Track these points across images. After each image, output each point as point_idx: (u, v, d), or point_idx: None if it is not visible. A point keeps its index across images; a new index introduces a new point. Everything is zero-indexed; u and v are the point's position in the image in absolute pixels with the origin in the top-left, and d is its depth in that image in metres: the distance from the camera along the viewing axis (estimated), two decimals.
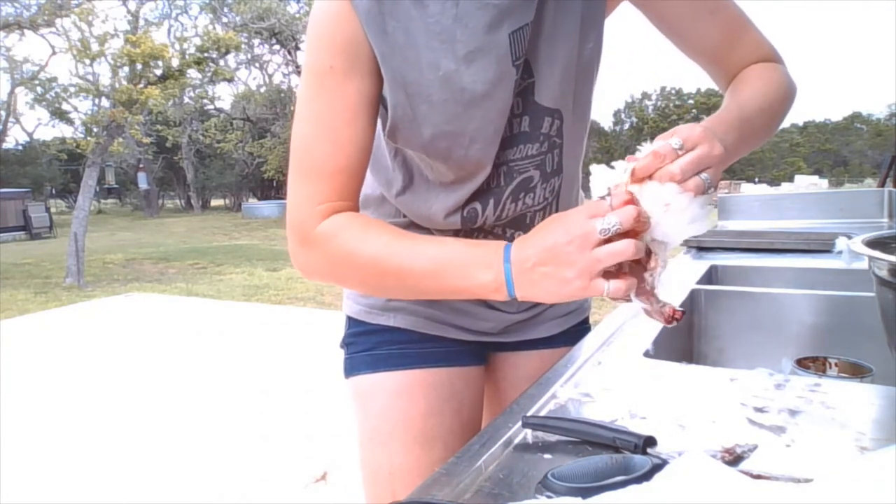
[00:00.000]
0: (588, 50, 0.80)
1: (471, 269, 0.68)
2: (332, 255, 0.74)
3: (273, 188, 27.27)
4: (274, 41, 20.17)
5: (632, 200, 0.63)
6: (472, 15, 0.71)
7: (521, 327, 0.99)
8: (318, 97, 0.72)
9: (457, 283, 0.69)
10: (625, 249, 0.61)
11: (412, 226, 0.89)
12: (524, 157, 0.81)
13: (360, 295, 0.96)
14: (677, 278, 1.44)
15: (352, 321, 0.98)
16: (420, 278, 0.71)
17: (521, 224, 0.86)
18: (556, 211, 0.89)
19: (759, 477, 0.55)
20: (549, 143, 0.82)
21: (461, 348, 0.96)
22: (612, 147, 37.32)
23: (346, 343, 0.99)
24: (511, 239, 0.77)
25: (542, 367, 0.99)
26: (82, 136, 13.07)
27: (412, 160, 0.84)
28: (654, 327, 1.00)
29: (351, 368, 0.97)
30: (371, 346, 0.95)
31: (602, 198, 0.65)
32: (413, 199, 0.86)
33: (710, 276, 1.55)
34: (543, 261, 0.64)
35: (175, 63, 9.86)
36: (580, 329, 1.05)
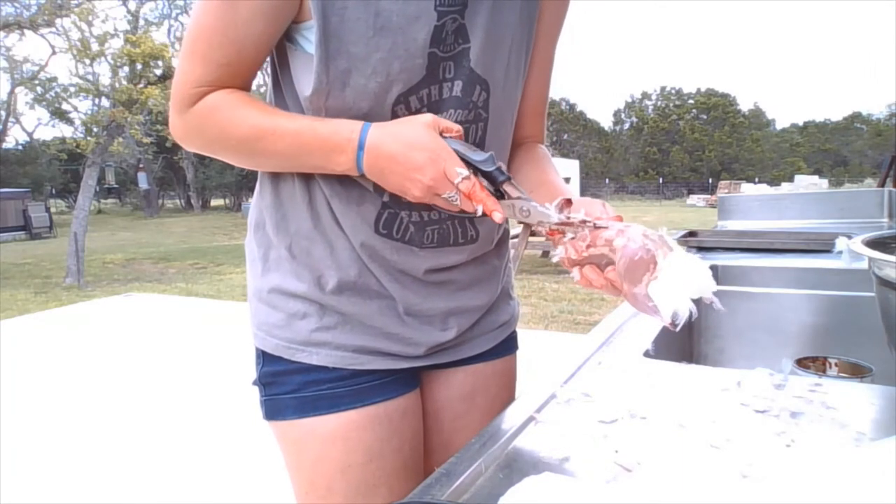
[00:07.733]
0: (523, 29, 0.80)
1: (328, 149, 0.72)
2: (208, 128, 0.77)
3: None
4: None
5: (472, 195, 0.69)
6: None
7: (451, 349, 0.92)
8: None
9: (317, 163, 0.74)
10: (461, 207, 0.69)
11: None
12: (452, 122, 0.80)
13: (277, 327, 0.86)
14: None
15: (267, 357, 0.88)
16: (286, 156, 0.75)
17: None
18: None
19: (758, 477, 0.55)
20: (476, 114, 0.80)
21: (394, 377, 0.88)
22: (611, 147, 37.21)
23: (264, 382, 0.88)
24: (410, 208, 0.81)
25: (473, 382, 0.97)
26: (82, 136, 13.06)
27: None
28: (654, 327, 1.00)
29: (274, 412, 0.87)
30: (295, 388, 0.85)
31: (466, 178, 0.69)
32: None
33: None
34: (394, 158, 0.69)
35: (175, 63, 9.86)
36: (508, 341, 1.01)
